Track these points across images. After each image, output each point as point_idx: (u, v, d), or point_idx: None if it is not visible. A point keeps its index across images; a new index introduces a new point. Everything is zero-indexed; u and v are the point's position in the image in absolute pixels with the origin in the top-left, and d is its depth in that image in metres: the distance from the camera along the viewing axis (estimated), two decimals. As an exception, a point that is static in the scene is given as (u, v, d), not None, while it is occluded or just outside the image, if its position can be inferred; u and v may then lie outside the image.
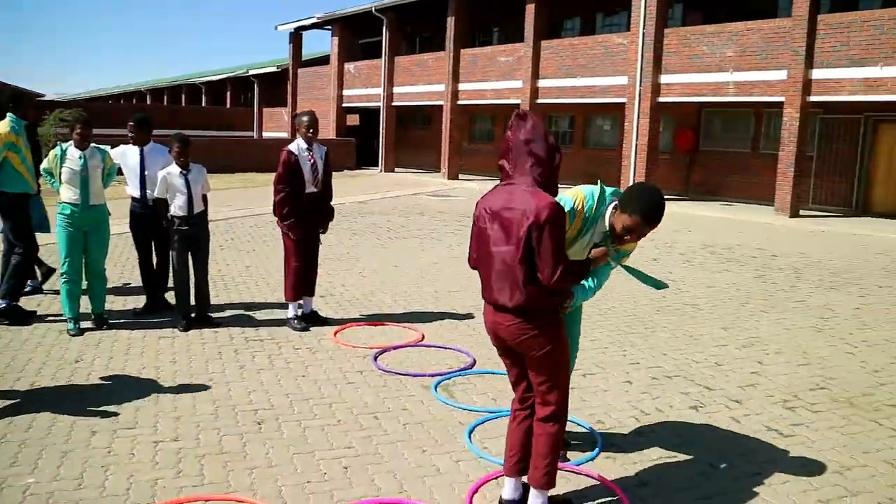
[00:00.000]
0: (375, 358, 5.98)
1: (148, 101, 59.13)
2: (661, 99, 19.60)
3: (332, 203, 7.28)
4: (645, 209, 3.56)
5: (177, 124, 40.24)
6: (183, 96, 53.81)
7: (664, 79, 19.44)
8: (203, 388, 5.26)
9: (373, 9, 28.76)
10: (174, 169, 6.75)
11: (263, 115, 41.42)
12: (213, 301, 7.45)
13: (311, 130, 6.88)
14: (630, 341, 6.63)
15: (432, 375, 5.60)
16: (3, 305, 6.81)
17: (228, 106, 46.65)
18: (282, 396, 5.13)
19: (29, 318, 6.93)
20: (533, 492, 3.56)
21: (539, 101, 23.17)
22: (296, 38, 35.75)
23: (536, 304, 3.39)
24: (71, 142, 6.63)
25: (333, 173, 7.42)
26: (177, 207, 6.75)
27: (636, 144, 20.04)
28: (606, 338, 6.72)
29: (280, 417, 4.78)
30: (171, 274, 7.02)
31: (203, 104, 49.96)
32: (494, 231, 3.42)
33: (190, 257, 6.86)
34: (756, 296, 8.70)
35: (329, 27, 33.17)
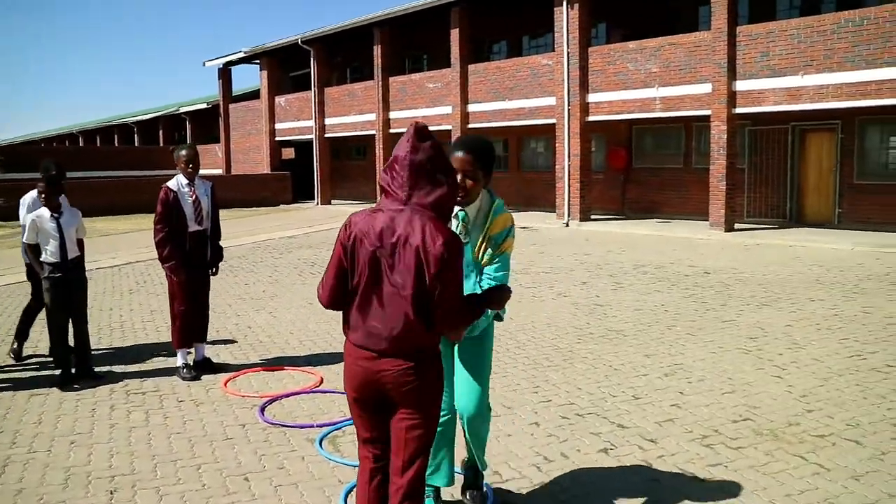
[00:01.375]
0: (263, 409, 5.39)
1: (80, 143, 57.65)
2: (591, 118, 19.40)
3: (220, 242, 6.75)
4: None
5: (108, 165, 39.40)
6: (115, 136, 52.56)
7: (592, 97, 19.25)
8: (61, 453, 4.61)
9: (299, 40, 28.30)
10: (44, 212, 6.21)
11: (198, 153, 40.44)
12: (108, 350, 6.88)
13: (191, 166, 6.34)
14: (545, 376, 6.12)
15: (321, 426, 5.03)
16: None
17: (161, 144, 45.56)
18: (147, 459, 4.54)
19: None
20: None
21: (470, 125, 22.87)
22: (224, 73, 35.09)
23: (426, 346, 2.93)
24: None
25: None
26: (49, 253, 6.19)
27: (568, 165, 19.78)
28: (521, 373, 6.21)
29: (137, 484, 4.19)
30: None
31: (136, 143, 48.77)
32: (378, 262, 2.87)
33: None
34: (685, 317, 8.30)
35: (257, 61, 32.62)
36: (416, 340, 2.88)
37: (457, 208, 3.52)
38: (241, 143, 34.75)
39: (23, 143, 68.22)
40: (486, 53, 25.30)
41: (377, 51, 25.77)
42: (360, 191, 30.96)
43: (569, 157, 19.76)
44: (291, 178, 31.18)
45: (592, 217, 20.07)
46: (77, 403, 5.65)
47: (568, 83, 19.36)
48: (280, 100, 31.65)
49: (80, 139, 58.60)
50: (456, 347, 3.70)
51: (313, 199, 30.21)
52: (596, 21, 21.17)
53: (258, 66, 32.78)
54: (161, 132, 46.03)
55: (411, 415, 2.94)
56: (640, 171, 21.12)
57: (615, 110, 18.83)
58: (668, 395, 5.58)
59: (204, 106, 38.21)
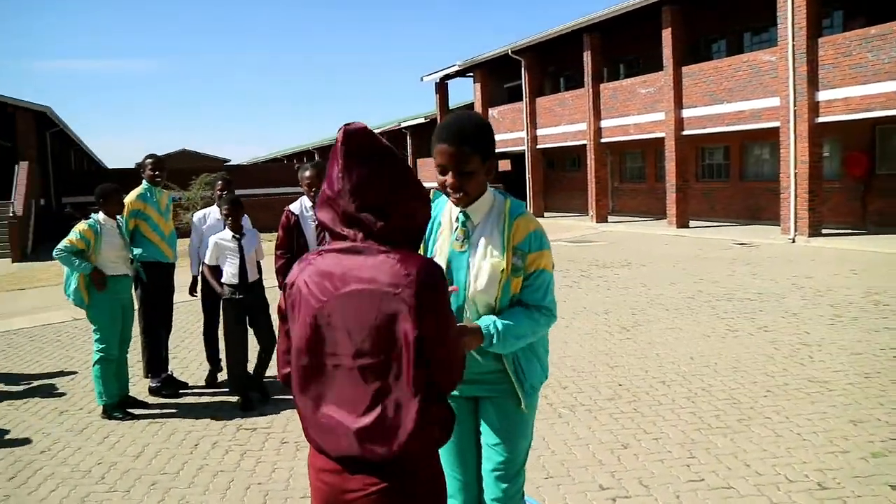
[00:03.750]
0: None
1: (316, 158, 61.41)
2: (821, 119, 17.12)
3: None
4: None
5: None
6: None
7: (822, 95, 16.98)
8: (137, 493, 4.25)
9: (509, 51, 27.93)
10: (227, 233, 6.12)
11: (417, 166, 41.55)
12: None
13: (314, 189, 5.83)
14: (708, 442, 4.96)
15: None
16: (154, 384, 6.53)
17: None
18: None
19: (181, 387, 6.66)
20: None
21: (685, 132, 21.21)
22: (441, 87, 35.52)
23: (424, 445, 2.00)
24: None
25: None
26: (229, 275, 6.07)
27: (795, 173, 17.62)
28: (678, 435, 5.09)
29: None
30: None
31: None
32: (339, 327, 1.99)
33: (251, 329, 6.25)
34: (915, 365, 6.66)
35: (471, 74, 32.71)
36: (415, 439, 1.95)
37: (454, 209, 2.69)
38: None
39: (265, 161, 74.03)
40: (703, 54, 23.42)
41: (587, 57, 24.73)
42: (573, 203, 30.03)
43: (795, 163, 17.60)
44: (504, 191, 30.82)
45: (824, 232, 17.73)
46: (185, 436, 5.40)
47: (794, 80, 17.24)
48: (493, 112, 31.48)
49: (316, 155, 62.39)
50: (481, 410, 2.79)
51: (525, 211, 29.63)
52: (827, 9, 18.76)
53: (472, 78, 32.88)
54: (385, 146, 47.77)
55: None
56: (885, 178, 18.40)
57: (852, 108, 16.46)
58: (879, 489, 4.24)
59: (422, 120, 39.04)
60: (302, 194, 5.89)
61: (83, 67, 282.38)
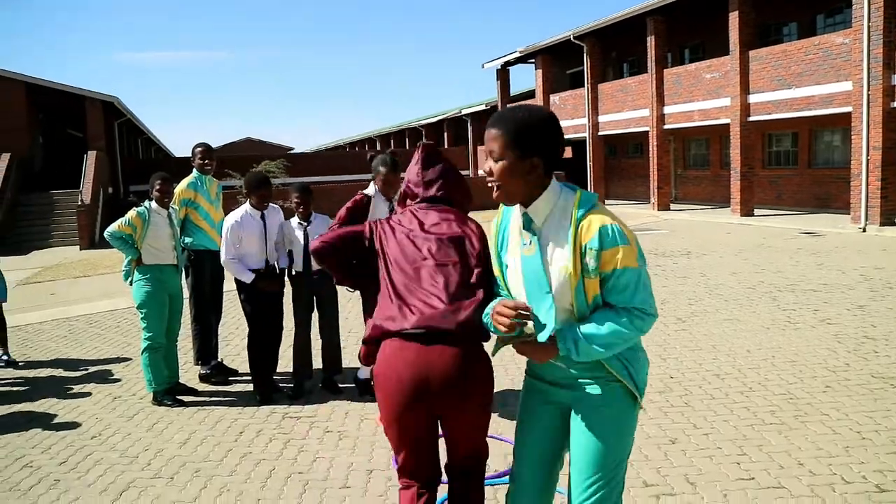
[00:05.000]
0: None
1: (378, 146, 61.81)
2: (896, 104, 16.46)
3: None
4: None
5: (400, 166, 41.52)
6: (406, 140, 55.56)
7: (898, 80, 16.31)
8: (180, 480, 4.26)
9: (571, 36, 27.55)
10: (294, 220, 6.06)
11: (477, 153, 41.43)
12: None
13: (388, 185, 5.65)
14: (760, 439, 4.77)
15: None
16: (204, 371, 6.60)
17: (446, 146, 47.28)
18: (251, 501, 4.04)
19: (231, 375, 6.74)
20: None
21: (751, 118, 20.60)
22: (502, 73, 35.26)
23: (478, 321, 2.73)
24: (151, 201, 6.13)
25: None
26: (297, 263, 6.04)
27: (867, 160, 16.97)
28: (728, 431, 4.92)
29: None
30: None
31: (425, 146, 51.14)
32: (431, 240, 2.94)
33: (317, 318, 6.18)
34: None
35: (532, 60, 32.39)
36: (476, 317, 2.75)
37: (514, 209, 2.54)
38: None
39: (328, 148, 74.79)
40: (773, 37, 22.69)
41: (650, 42, 24.21)
42: (635, 191, 29.58)
43: (867, 150, 16.95)
44: (566, 178, 30.58)
45: (896, 221, 17.07)
46: (231, 424, 5.45)
47: (868, 63, 16.57)
48: (555, 98, 31.15)
49: (378, 143, 62.78)
50: (571, 417, 2.56)
51: (586, 199, 29.30)
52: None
53: (533, 65, 32.57)
54: (446, 133, 47.75)
55: (475, 419, 2.93)
56: (963, 165, 17.57)
57: (929, 94, 15.77)
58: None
59: (483, 107, 38.89)
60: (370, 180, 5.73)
61: (152, 59, 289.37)
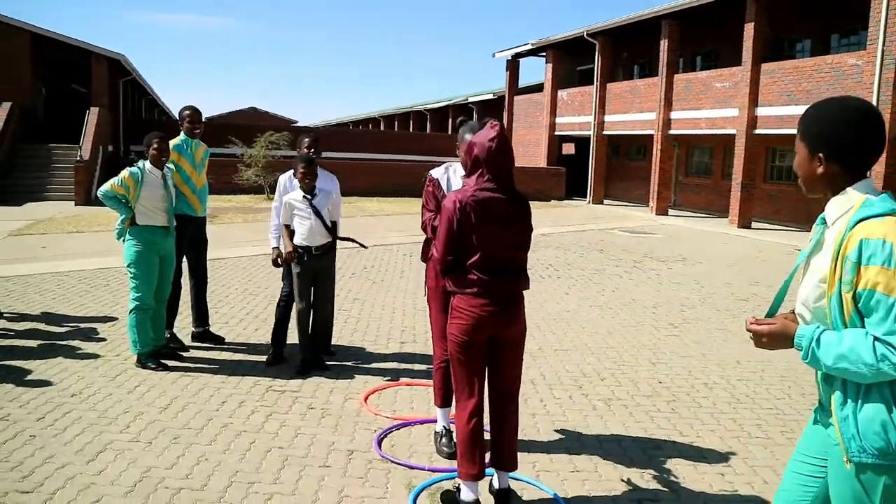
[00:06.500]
0: (382, 438, 4.66)
1: (381, 127, 61.60)
2: (905, 130, 16.41)
3: None
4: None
5: (400, 149, 41.46)
6: (411, 122, 55.39)
7: (907, 105, 16.27)
8: (157, 446, 4.20)
9: (584, 33, 27.43)
10: (298, 193, 5.95)
11: (481, 143, 41.28)
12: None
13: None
14: (747, 452, 4.76)
15: (434, 471, 4.21)
16: (167, 335, 6.47)
17: (450, 132, 47.14)
18: (226, 474, 3.97)
19: (218, 342, 6.76)
20: (505, 475, 3.78)
21: (757, 130, 20.55)
22: (512, 64, 35.11)
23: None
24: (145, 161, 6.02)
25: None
26: (300, 237, 5.92)
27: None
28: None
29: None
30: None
31: (428, 130, 50.92)
32: (500, 218, 3.63)
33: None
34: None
35: (543, 54, 32.25)
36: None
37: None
38: (523, 135, 34.56)
39: (334, 124, 74.55)
40: (786, 52, 22.62)
41: (663, 45, 24.10)
42: (633, 193, 29.53)
43: (870, 172, 16.89)
44: (566, 174, 30.55)
45: None
46: (214, 393, 5.39)
47: (878, 86, 16.52)
48: (562, 93, 31.01)
49: (382, 123, 62.56)
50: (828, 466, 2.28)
51: (586, 197, 29.29)
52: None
53: (544, 58, 32.43)
54: (450, 120, 47.62)
55: (517, 357, 3.87)
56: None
57: (937, 121, 15.73)
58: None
59: (490, 97, 38.76)
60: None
61: (160, 21, 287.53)
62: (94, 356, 6.21)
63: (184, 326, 6.90)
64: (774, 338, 2.25)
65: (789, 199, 22.42)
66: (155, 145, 5.93)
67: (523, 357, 3.89)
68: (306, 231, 5.88)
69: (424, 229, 4.38)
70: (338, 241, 6.18)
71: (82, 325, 7.25)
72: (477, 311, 3.59)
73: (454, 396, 3.81)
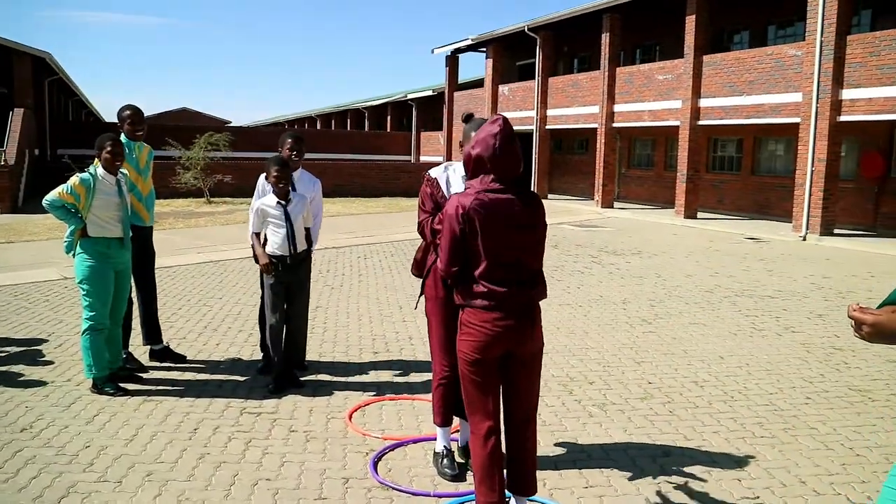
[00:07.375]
0: (378, 460, 4.30)
1: (318, 126, 60.67)
2: (843, 118, 16.66)
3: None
4: None
5: (338, 148, 40.79)
6: (348, 121, 54.69)
7: (846, 94, 16.51)
8: (131, 484, 3.79)
9: (525, 28, 27.32)
10: (271, 198, 5.49)
11: (421, 139, 40.98)
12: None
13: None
14: (757, 456, 4.55)
15: (439, 496, 3.88)
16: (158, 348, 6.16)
17: (389, 130, 46.67)
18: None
19: (179, 360, 6.27)
20: (523, 500, 3.52)
21: (701, 122, 20.71)
22: (452, 60, 34.83)
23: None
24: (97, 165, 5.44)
25: None
26: (274, 245, 5.47)
27: (811, 171, 17.19)
28: (721, 443, 4.68)
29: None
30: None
31: (366, 128, 50.27)
32: (511, 221, 3.28)
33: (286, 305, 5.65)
34: (959, 379, 6.26)
35: (483, 49, 32.08)
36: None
37: None
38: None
39: (267, 124, 73.23)
40: (725, 44, 22.87)
41: (605, 39, 24.13)
42: (578, 186, 29.60)
43: (812, 161, 17.17)
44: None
45: (836, 232, 17.34)
46: (183, 419, 4.91)
47: (818, 77, 16.76)
48: (503, 88, 30.88)
49: (318, 122, 61.66)
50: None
51: (528, 192, 29.22)
52: (856, 7, 18.23)
53: (485, 54, 32.25)
54: (389, 118, 47.15)
55: (534, 375, 3.61)
56: (901, 181, 18.00)
57: (875, 109, 16.01)
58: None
59: (430, 93, 38.46)
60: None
61: (85, 19, 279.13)
62: (42, 383, 5.63)
63: (139, 345, 6.36)
64: (879, 329, 2.10)
65: (731, 188, 22.69)
66: (108, 148, 5.34)
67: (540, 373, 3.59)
68: (280, 240, 5.46)
69: (421, 233, 3.98)
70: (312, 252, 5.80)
71: (25, 348, 6.61)
72: (489, 327, 3.26)
73: (468, 419, 3.47)
